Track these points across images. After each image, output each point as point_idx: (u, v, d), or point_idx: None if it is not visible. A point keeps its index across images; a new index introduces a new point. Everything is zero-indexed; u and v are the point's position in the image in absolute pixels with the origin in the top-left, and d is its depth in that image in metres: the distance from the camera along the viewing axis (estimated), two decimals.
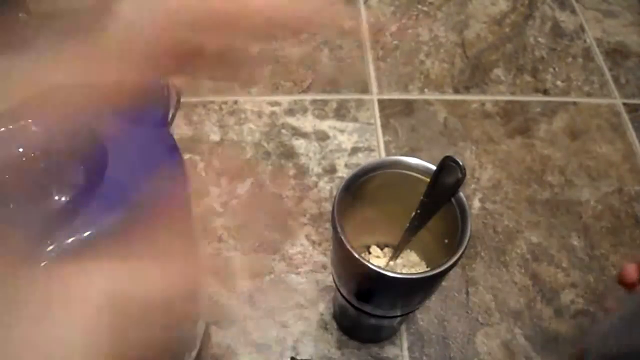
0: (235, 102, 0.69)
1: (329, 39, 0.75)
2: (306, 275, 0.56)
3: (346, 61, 0.73)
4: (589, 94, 0.72)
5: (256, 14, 0.24)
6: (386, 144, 0.66)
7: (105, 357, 0.19)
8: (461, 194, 0.40)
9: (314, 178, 0.63)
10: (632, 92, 0.72)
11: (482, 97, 0.71)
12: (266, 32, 0.24)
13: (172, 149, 0.34)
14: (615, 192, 0.63)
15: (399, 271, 0.46)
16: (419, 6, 0.80)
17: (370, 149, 0.65)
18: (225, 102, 0.68)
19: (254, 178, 0.62)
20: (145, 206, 0.24)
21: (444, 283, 0.54)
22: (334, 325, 0.53)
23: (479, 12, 0.80)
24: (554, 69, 0.74)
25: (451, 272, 0.39)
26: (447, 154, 0.39)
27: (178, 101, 0.36)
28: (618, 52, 0.76)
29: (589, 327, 0.54)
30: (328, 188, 0.62)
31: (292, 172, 0.63)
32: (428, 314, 0.54)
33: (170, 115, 0.36)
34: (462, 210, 0.39)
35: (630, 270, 0.32)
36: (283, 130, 0.66)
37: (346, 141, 0.66)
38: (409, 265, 0.48)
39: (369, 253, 0.50)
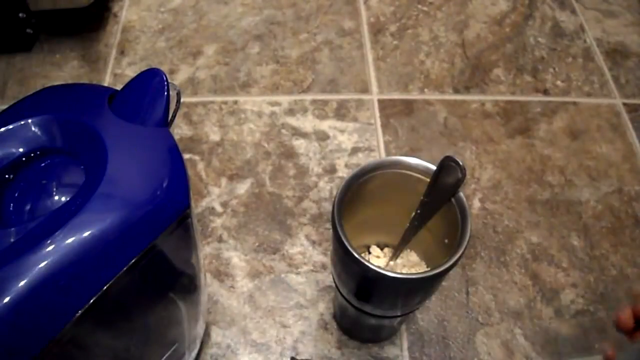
0: (235, 102, 0.69)
1: (329, 38, 0.75)
2: (306, 275, 0.56)
3: (346, 61, 0.73)
4: (589, 94, 0.72)
5: None
6: (386, 144, 0.66)
7: None
8: (461, 194, 0.40)
9: (314, 178, 0.63)
10: (632, 92, 0.72)
11: (482, 97, 0.71)
12: None
13: (172, 149, 0.34)
14: (615, 192, 0.63)
15: (399, 271, 0.46)
16: (419, 6, 0.80)
17: (370, 149, 0.65)
18: (225, 102, 0.68)
19: (254, 178, 0.62)
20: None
21: (444, 283, 0.54)
22: (334, 325, 0.53)
23: (479, 12, 0.80)
24: (554, 69, 0.74)
25: (451, 272, 0.39)
26: (447, 154, 0.39)
27: (178, 101, 0.36)
28: (618, 52, 0.76)
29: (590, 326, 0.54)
30: (328, 188, 0.62)
31: (292, 172, 0.63)
32: (428, 314, 0.54)
33: (170, 115, 0.36)
34: (462, 210, 0.39)
35: (626, 316, 0.31)
36: (283, 130, 0.66)
37: (346, 141, 0.66)
38: (409, 265, 0.48)
39: (369, 253, 0.50)
